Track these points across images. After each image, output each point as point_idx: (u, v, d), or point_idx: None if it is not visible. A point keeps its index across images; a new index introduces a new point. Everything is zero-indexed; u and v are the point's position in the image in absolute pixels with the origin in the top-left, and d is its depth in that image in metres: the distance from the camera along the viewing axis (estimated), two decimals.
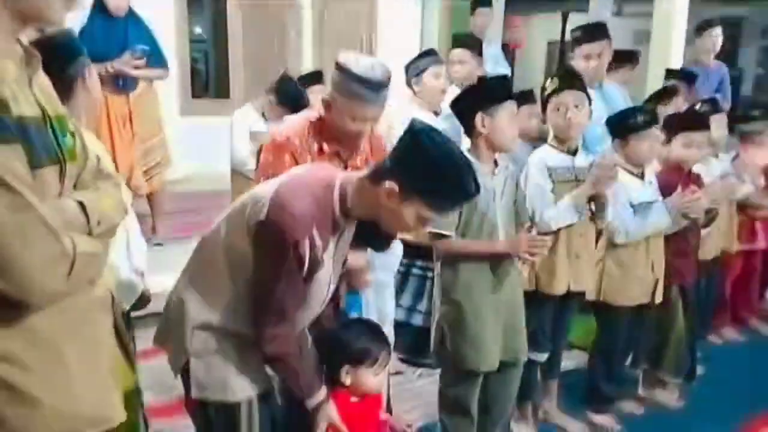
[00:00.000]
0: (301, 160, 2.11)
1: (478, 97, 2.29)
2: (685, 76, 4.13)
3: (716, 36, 4.75)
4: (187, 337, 1.61)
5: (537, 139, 3.39)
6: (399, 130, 2.87)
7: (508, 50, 8.23)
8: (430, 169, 1.49)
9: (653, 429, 2.85)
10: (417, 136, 1.53)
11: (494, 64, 5.19)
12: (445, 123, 3.20)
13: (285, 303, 1.57)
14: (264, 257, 1.53)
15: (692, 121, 2.86)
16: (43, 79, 1.21)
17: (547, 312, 2.62)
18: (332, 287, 1.74)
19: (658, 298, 2.74)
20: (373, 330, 1.81)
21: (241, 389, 1.63)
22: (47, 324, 1.17)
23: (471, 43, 3.72)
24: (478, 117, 2.23)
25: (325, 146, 2.16)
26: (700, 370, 3.28)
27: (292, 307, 1.59)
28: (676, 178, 2.81)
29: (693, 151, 2.81)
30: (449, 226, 2.23)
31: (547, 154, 2.58)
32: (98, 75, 3.73)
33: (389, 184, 1.50)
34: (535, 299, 2.52)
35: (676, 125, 2.83)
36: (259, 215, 1.51)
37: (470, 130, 2.30)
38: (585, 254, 2.61)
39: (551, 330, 2.66)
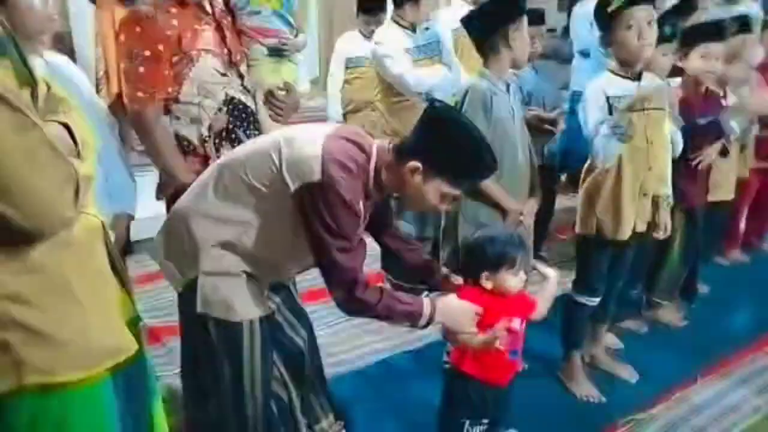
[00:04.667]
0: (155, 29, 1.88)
1: (502, 12, 2.25)
2: None
3: None
4: (200, 254, 1.65)
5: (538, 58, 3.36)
6: (381, 47, 2.89)
7: None
8: (451, 150, 1.58)
9: (656, 347, 2.89)
10: (437, 117, 1.62)
11: None
12: (423, 38, 3.16)
13: (353, 256, 1.61)
14: (324, 216, 1.55)
15: (709, 31, 2.70)
16: None
17: (605, 255, 2.43)
18: None
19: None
20: (509, 234, 1.87)
21: (244, 311, 1.68)
22: (55, 261, 1.13)
23: None
24: (503, 32, 2.22)
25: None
26: (705, 289, 3.32)
27: (358, 258, 1.64)
28: (693, 98, 2.71)
29: (711, 63, 2.66)
30: None
31: (608, 83, 2.29)
32: None
33: (413, 163, 1.58)
34: (593, 242, 2.39)
35: (692, 36, 2.71)
36: (311, 176, 1.53)
37: (492, 47, 2.27)
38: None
39: (607, 273, 2.47)
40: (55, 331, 1.14)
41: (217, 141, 1.99)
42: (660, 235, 2.45)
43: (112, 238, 1.33)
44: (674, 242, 2.88)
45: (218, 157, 1.93)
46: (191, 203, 1.72)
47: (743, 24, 3.14)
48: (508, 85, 2.33)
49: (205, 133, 1.98)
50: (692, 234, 2.90)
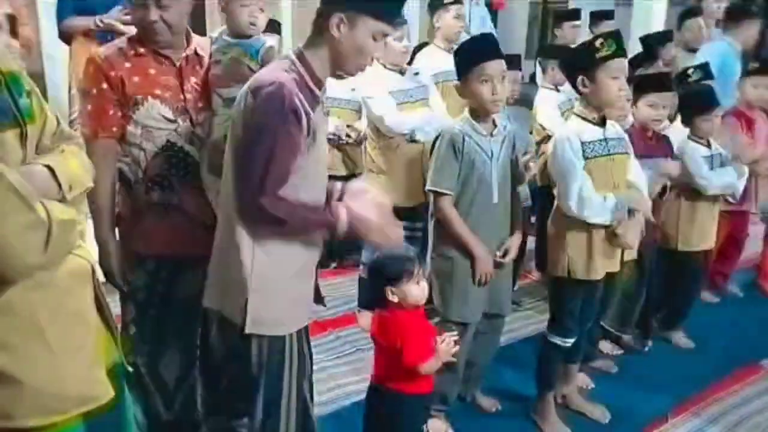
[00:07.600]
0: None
1: (466, 56, 2.32)
2: (660, 39, 4.15)
3: (720, 1, 4.72)
4: (246, 274, 1.65)
5: (515, 103, 3.44)
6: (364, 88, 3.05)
7: (491, 10, 8.11)
8: None
9: (627, 387, 2.92)
10: None
11: (481, 25, 5.10)
12: (410, 82, 3.20)
13: (285, 165, 1.60)
14: (261, 126, 1.58)
15: (656, 82, 2.86)
16: None
17: (578, 296, 2.45)
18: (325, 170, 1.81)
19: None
20: (404, 249, 1.99)
21: (293, 322, 1.75)
22: (26, 301, 1.11)
23: None
24: (469, 76, 2.27)
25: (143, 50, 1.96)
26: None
27: (289, 169, 1.61)
28: (641, 139, 2.81)
29: (658, 111, 2.82)
30: (449, 187, 2.30)
31: (581, 128, 2.32)
32: (87, 29, 3.66)
33: (335, 16, 1.60)
34: (566, 284, 2.43)
35: (640, 86, 2.85)
36: (246, 99, 1.59)
37: (463, 91, 2.34)
38: None
39: (579, 313, 2.49)
40: (18, 373, 1.11)
41: (149, 184, 1.99)
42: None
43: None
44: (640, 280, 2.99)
45: (148, 199, 1.98)
46: (221, 231, 1.75)
47: (706, 72, 3.29)
48: (494, 127, 2.35)
49: (141, 175, 1.98)
50: (642, 268, 2.99)
